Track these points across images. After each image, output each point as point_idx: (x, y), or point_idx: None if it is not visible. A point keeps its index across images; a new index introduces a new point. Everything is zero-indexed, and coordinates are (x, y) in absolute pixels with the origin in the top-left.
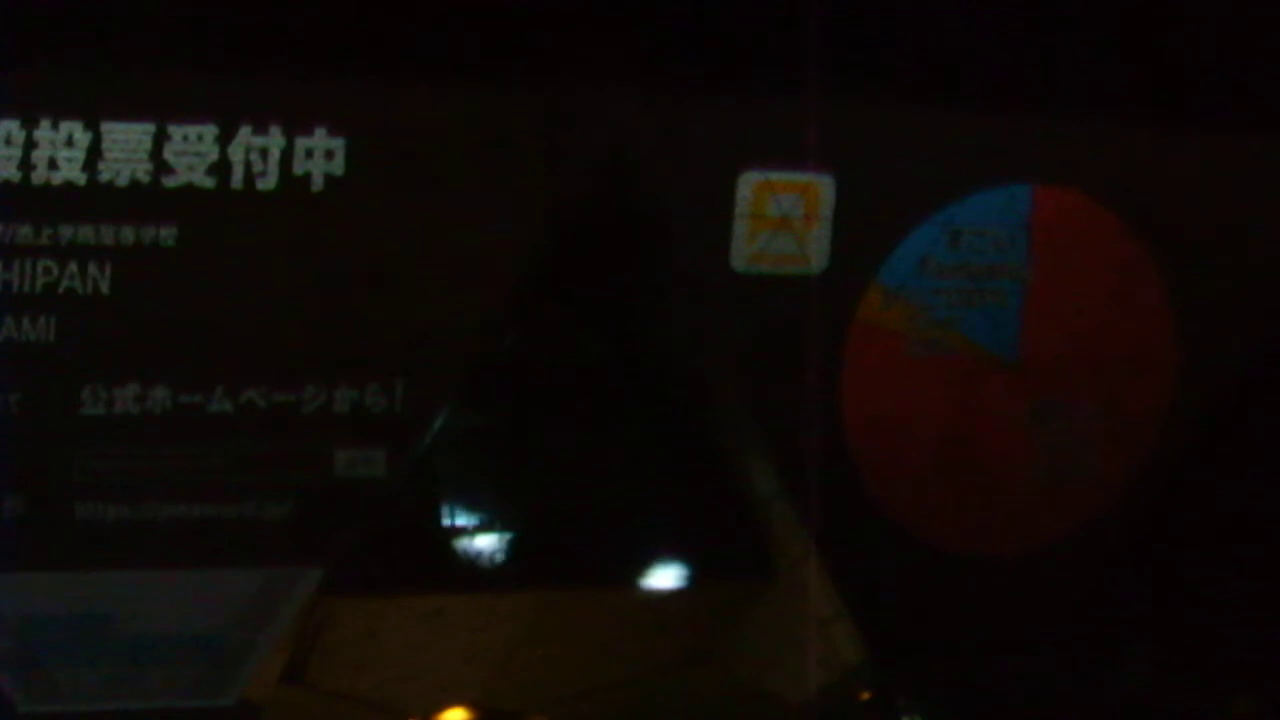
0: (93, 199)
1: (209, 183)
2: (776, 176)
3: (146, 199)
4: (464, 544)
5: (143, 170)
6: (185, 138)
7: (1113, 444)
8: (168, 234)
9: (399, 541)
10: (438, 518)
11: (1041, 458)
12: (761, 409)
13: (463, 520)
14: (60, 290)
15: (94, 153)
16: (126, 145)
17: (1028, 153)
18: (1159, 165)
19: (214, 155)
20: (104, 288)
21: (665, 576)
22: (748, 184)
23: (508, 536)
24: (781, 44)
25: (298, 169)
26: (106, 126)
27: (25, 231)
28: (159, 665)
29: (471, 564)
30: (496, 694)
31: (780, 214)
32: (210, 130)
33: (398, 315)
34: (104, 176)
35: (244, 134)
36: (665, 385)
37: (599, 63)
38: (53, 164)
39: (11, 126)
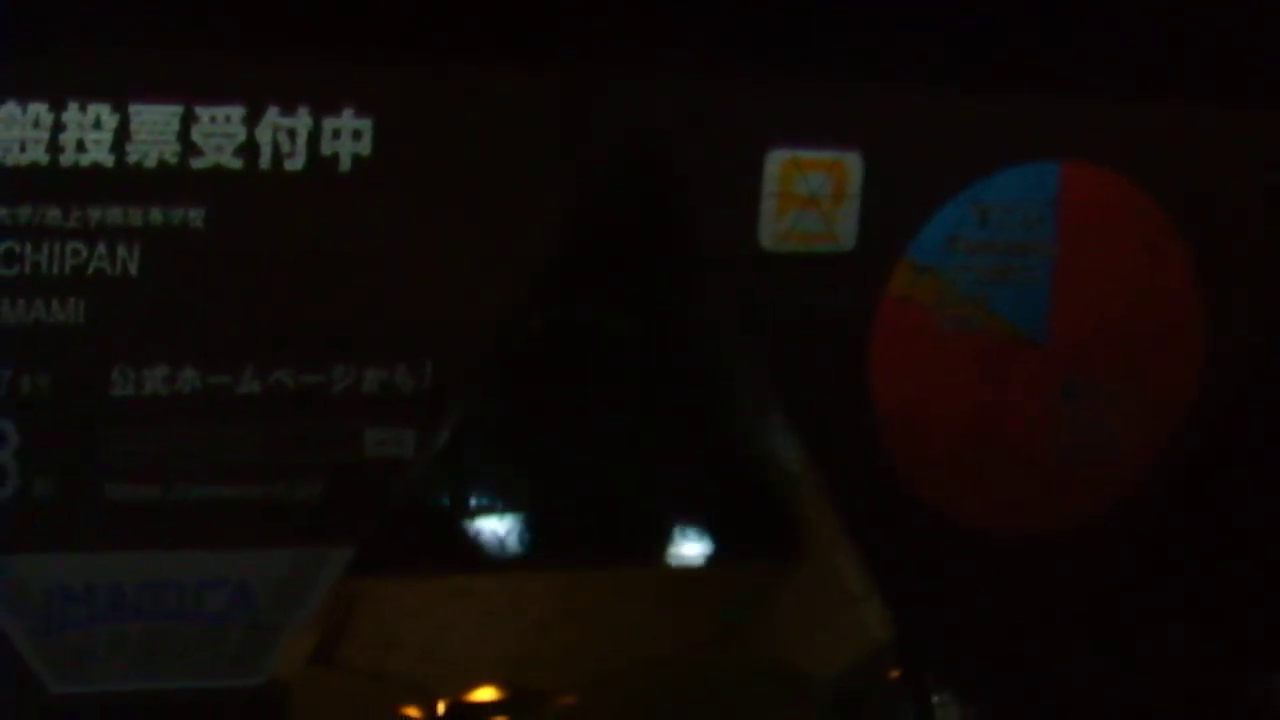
0: (120, 180)
1: (236, 164)
2: (804, 154)
3: (174, 180)
4: (493, 524)
5: (170, 152)
6: (213, 119)
7: (1142, 422)
8: (195, 215)
9: (428, 521)
10: (467, 497)
11: (1071, 436)
12: (790, 388)
13: (492, 500)
14: (88, 272)
15: (122, 134)
16: (154, 127)
17: (1056, 129)
18: (1189, 142)
19: (241, 136)
20: (132, 269)
21: (694, 556)
22: (775, 162)
23: (536, 516)
24: (808, 21)
25: (325, 149)
26: (134, 109)
27: (54, 214)
28: (188, 646)
29: (500, 544)
30: (525, 674)
31: (808, 192)
32: (238, 111)
33: (427, 295)
34: (132, 158)
35: (271, 114)
36: (693, 365)
37: (627, 41)
38: (81, 146)
39: (40, 109)
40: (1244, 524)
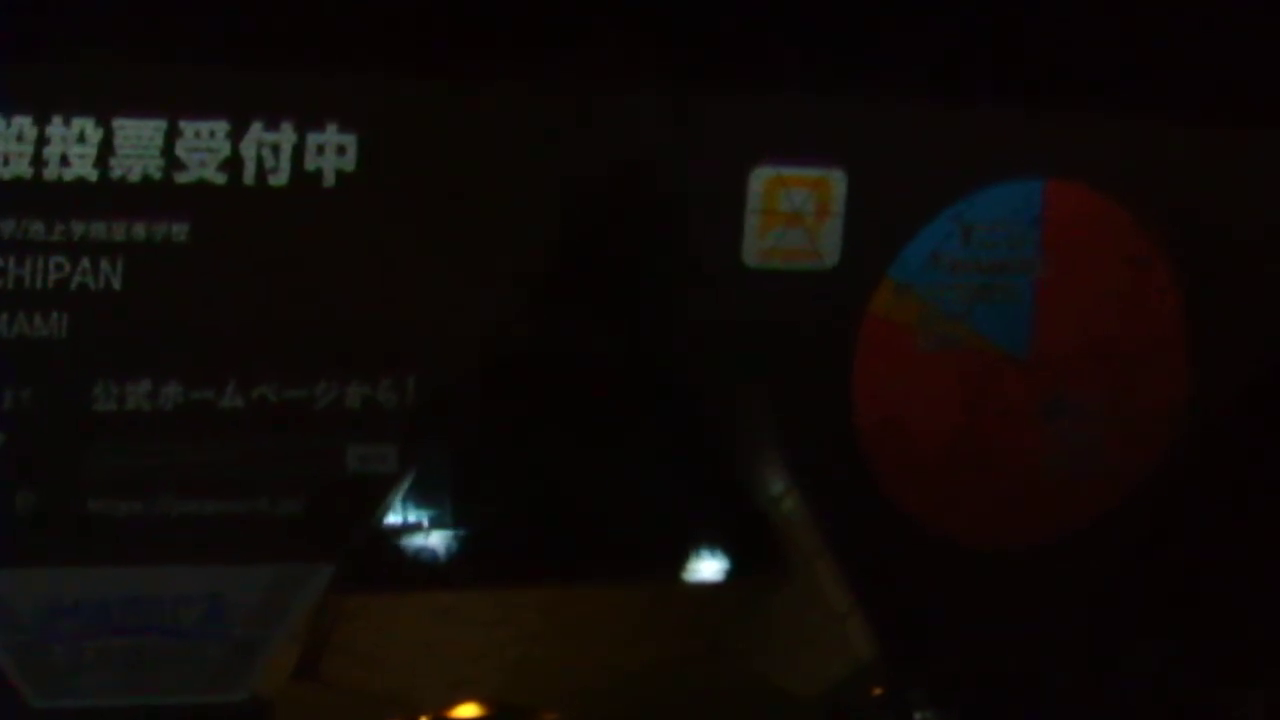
0: (104, 195)
1: (221, 179)
2: (788, 172)
3: (158, 195)
4: (476, 540)
5: (154, 166)
6: (197, 134)
7: (1124, 440)
8: (179, 230)
9: (411, 537)
10: (450, 513)
11: (1053, 453)
12: (773, 404)
13: (475, 516)
14: (72, 286)
15: (106, 149)
16: (138, 141)
17: (1039, 148)
18: (1170, 160)
19: (226, 151)
20: (115, 284)
21: (677, 572)
22: (759, 179)
23: (519, 533)
24: (793, 39)
25: (309, 165)
26: (118, 123)
27: (37, 228)
28: (171, 661)
29: (483, 560)
30: (509, 690)
31: (792, 209)
32: (222, 126)
33: (410, 311)
34: (115, 172)
35: (256, 130)
36: (677, 381)
37: (611, 59)
38: (64, 160)
39: (24, 123)
40: (1225, 539)
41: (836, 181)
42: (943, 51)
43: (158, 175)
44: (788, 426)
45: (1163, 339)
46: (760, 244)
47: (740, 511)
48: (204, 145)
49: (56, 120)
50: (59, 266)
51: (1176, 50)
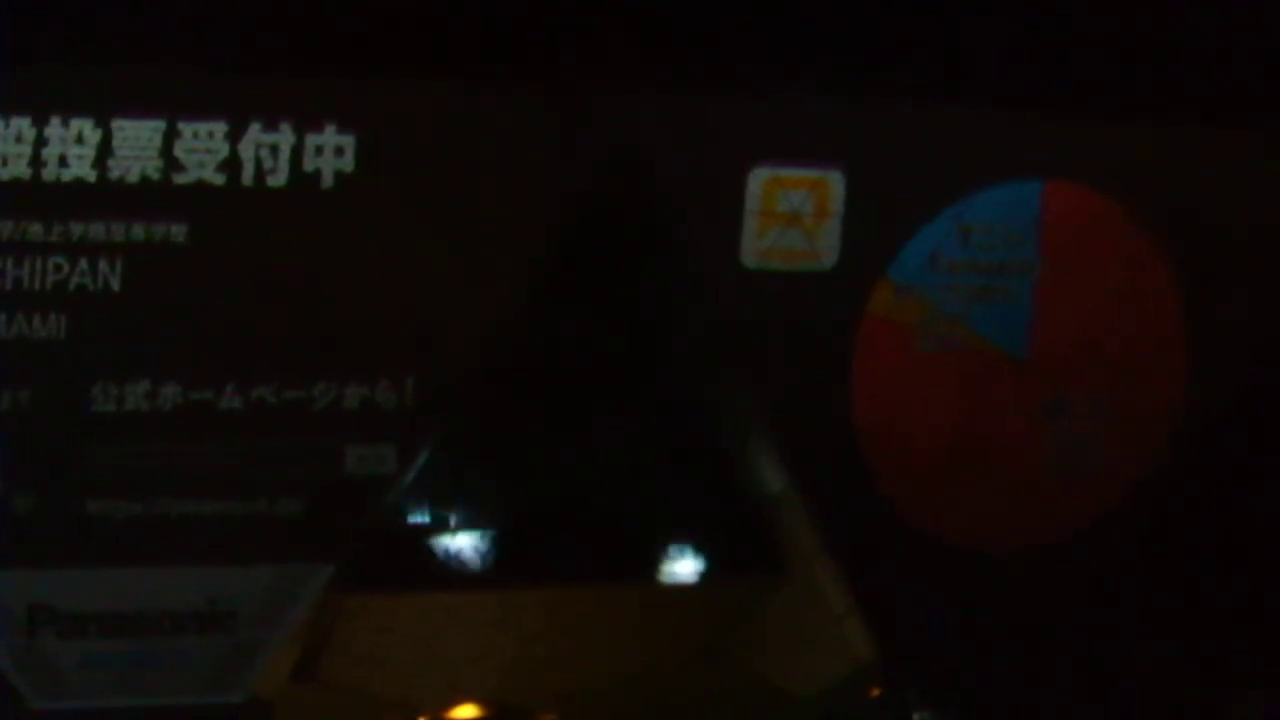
0: (103, 196)
1: (219, 180)
2: (787, 172)
3: (156, 196)
4: (476, 541)
5: (153, 167)
6: (195, 135)
7: (1123, 439)
8: (178, 231)
9: (411, 538)
10: (449, 514)
11: (1051, 453)
12: (772, 404)
13: (474, 517)
14: (71, 287)
15: (104, 150)
16: (137, 142)
17: (1038, 149)
18: (1168, 160)
19: (224, 152)
20: (114, 284)
21: (676, 573)
22: (758, 180)
23: (519, 533)
24: (791, 40)
25: (308, 165)
26: (117, 124)
27: (36, 228)
28: (170, 662)
29: (483, 561)
30: (507, 691)
31: (790, 210)
32: (220, 127)
33: (408, 311)
34: (114, 173)
35: (254, 131)
36: (676, 382)
37: (609, 59)
38: (63, 161)
39: (22, 124)
40: (1224, 539)
41: (835, 182)
42: (941, 52)
43: (156, 176)
44: (787, 426)
45: (1162, 339)
46: (759, 244)
47: (739, 512)
48: (202, 146)
49: (55, 121)
50: (58, 267)
51: (1175, 50)
